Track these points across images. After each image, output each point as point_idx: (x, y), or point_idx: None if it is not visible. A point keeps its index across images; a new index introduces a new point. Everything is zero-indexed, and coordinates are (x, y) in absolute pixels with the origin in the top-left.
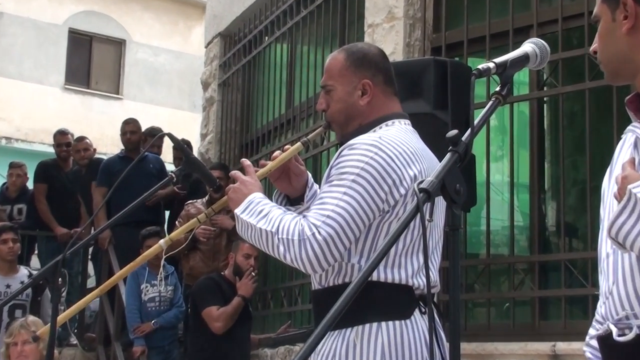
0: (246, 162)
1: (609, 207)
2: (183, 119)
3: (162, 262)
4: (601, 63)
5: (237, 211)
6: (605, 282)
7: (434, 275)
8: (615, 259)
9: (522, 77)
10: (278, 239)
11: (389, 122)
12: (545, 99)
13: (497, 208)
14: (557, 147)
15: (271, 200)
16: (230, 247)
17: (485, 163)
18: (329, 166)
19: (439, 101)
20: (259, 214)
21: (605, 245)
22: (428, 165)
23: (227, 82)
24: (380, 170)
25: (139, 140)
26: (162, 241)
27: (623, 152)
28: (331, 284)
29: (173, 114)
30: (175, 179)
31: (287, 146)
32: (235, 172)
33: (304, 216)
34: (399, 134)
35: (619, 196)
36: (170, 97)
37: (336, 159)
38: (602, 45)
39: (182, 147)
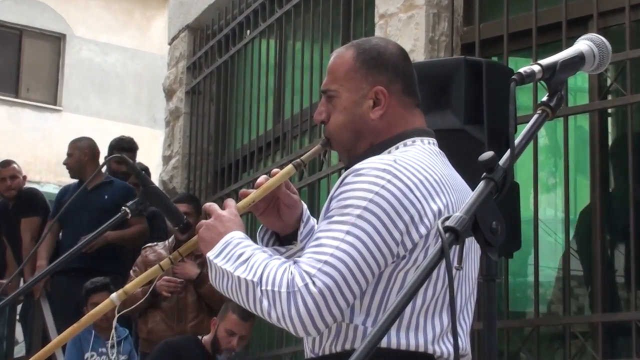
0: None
1: None
2: (140, 136)
3: (114, 323)
4: None
5: (210, 255)
6: None
7: (464, 341)
8: None
9: (579, 83)
10: (261, 291)
11: (408, 141)
12: (609, 110)
13: (548, 253)
14: (625, 173)
15: (255, 240)
16: (201, 305)
17: (533, 194)
18: (329, 197)
19: (472, 114)
20: (237, 258)
21: None
22: (458, 197)
23: (197, 89)
24: (395, 202)
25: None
26: (113, 296)
27: None
28: (328, 352)
29: (127, 130)
30: (129, 214)
31: (275, 170)
32: (209, 205)
33: (296, 262)
34: (421, 156)
35: None
36: (123, 108)
37: (338, 187)
38: None
39: (138, 173)
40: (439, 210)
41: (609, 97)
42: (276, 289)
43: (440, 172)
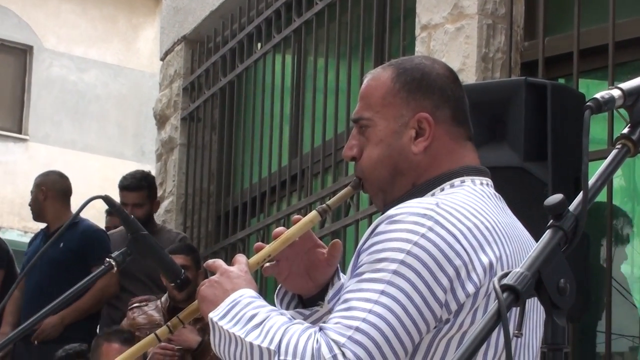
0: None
1: None
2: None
3: None
4: None
5: (214, 315)
6: None
7: None
8: None
9: None
10: None
11: (457, 182)
12: None
13: (624, 317)
14: None
15: (272, 303)
16: None
17: (607, 246)
18: (357, 249)
19: (533, 148)
20: (249, 320)
21: None
22: (515, 248)
23: (195, 114)
24: (437, 255)
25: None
26: None
27: None
28: None
29: (109, 165)
30: (115, 266)
31: (296, 217)
32: (213, 261)
33: (321, 328)
34: (470, 199)
35: None
36: (103, 138)
37: (368, 237)
38: None
39: (125, 217)
40: (490, 264)
41: None
42: (299, 359)
43: (495, 218)
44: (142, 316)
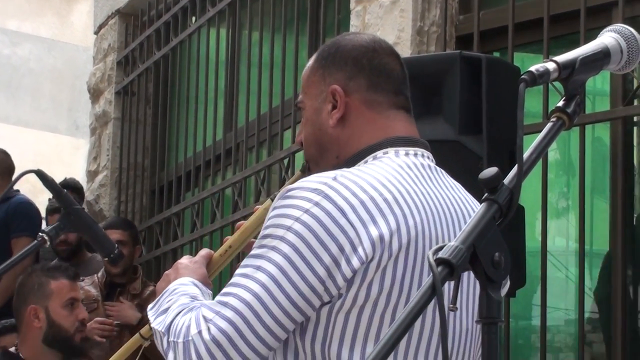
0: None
1: None
2: (59, 147)
3: None
4: None
5: (149, 308)
6: None
7: None
8: None
9: (599, 85)
10: (167, 342)
11: (379, 153)
12: (635, 119)
13: (558, 291)
14: None
15: None
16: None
17: (541, 220)
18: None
19: (469, 122)
20: (165, 310)
21: None
22: (425, 217)
23: (129, 89)
24: (319, 231)
25: None
26: None
27: None
28: None
29: (42, 138)
30: (48, 241)
31: (257, 206)
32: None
33: (201, 305)
34: (381, 171)
35: None
36: (37, 112)
37: (269, 212)
38: None
39: (58, 192)
40: (381, 236)
41: (635, 103)
42: (175, 339)
43: (403, 188)
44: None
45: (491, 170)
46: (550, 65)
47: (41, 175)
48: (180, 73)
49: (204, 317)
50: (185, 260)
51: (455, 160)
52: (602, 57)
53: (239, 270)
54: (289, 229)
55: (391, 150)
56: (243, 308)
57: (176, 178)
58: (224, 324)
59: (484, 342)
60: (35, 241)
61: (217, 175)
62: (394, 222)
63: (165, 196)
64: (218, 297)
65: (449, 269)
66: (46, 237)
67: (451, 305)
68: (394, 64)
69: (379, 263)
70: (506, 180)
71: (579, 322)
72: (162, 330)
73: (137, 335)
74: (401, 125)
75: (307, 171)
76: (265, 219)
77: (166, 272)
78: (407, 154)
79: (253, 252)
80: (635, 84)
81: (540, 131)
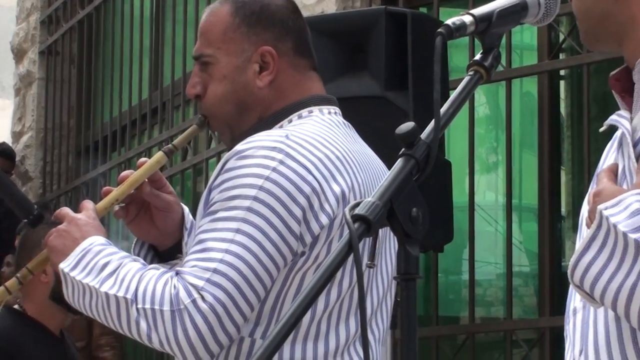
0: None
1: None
2: None
3: None
4: (577, 18)
5: (64, 266)
6: (570, 351)
7: (375, 352)
8: (585, 318)
9: (526, 40)
10: (137, 309)
11: (304, 112)
12: (561, 72)
13: (487, 245)
14: (580, 148)
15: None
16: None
17: (469, 175)
18: (208, 187)
19: (394, 77)
20: (101, 269)
21: (574, 298)
22: (367, 177)
23: (54, 48)
24: (290, 188)
25: None
26: None
27: (611, 156)
28: None
29: None
30: None
31: (142, 160)
32: (59, 210)
33: (178, 272)
34: (319, 129)
35: (589, 221)
36: None
37: (218, 174)
38: None
39: None
40: (342, 193)
41: (562, 56)
42: (157, 306)
43: (345, 147)
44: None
45: (408, 125)
46: (467, 19)
47: None
48: (104, 32)
49: (194, 285)
50: (81, 215)
51: (381, 116)
52: (519, 10)
53: (210, 234)
54: (260, 188)
55: (315, 109)
56: (233, 274)
57: (102, 138)
58: (217, 292)
59: (403, 298)
60: None
61: (144, 134)
62: (349, 180)
63: (91, 156)
64: (196, 262)
65: (366, 225)
66: None
67: (369, 262)
68: (305, 24)
69: (341, 220)
70: (423, 135)
71: (507, 275)
72: (126, 295)
73: (2, 289)
74: (319, 84)
75: (205, 125)
76: (217, 179)
77: (61, 227)
78: (329, 112)
79: (223, 214)
80: (561, 38)
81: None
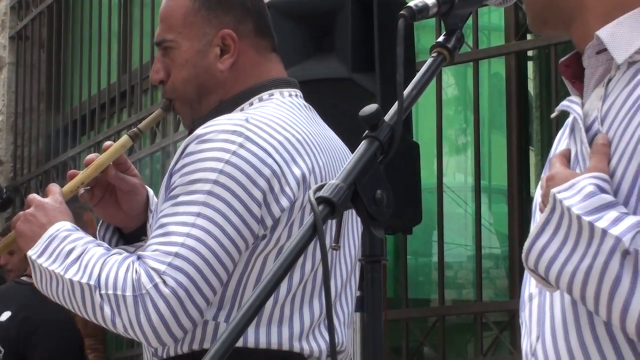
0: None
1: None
2: None
3: None
4: (525, 2)
5: (32, 253)
6: (527, 337)
7: (341, 335)
8: (542, 304)
9: (494, 20)
10: (101, 295)
11: (265, 95)
12: (529, 53)
13: (456, 227)
14: (549, 129)
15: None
16: None
17: (437, 156)
18: (169, 171)
19: (361, 59)
20: (67, 256)
21: (529, 284)
22: (328, 159)
23: (23, 33)
24: (250, 171)
25: None
26: None
27: (563, 142)
28: (174, 354)
29: None
30: None
31: (108, 143)
32: (30, 196)
33: (140, 257)
34: (279, 112)
35: (542, 205)
36: None
37: (179, 159)
38: None
39: None
40: (303, 176)
41: (529, 37)
42: (119, 292)
43: (306, 130)
44: None
45: (371, 107)
46: (430, 1)
47: None
48: (73, 16)
49: (155, 270)
50: (48, 200)
51: (348, 98)
52: None
53: (171, 218)
54: (221, 171)
55: (276, 92)
56: (195, 257)
57: (72, 122)
58: (179, 276)
59: (367, 280)
60: None
61: (113, 117)
62: (310, 163)
63: (61, 140)
64: (158, 246)
65: (330, 207)
66: None
67: (334, 244)
68: (264, 4)
69: (302, 202)
70: (387, 117)
71: (477, 257)
72: (89, 282)
73: None
74: (279, 66)
75: (170, 110)
76: (178, 163)
77: (29, 212)
78: (290, 95)
79: (184, 198)
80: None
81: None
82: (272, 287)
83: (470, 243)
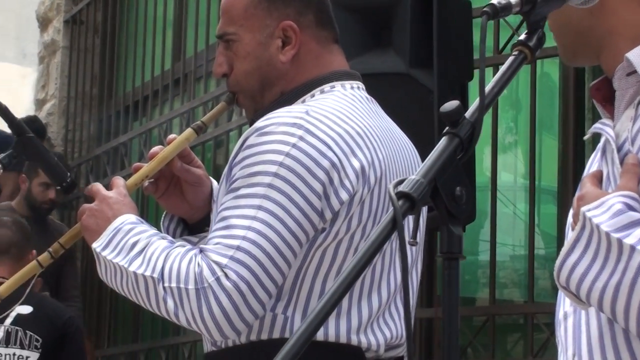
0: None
1: None
2: (6, 75)
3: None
4: (555, 34)
5: (97, 246)
6: (563, 355)
7: (401, 328)
8: (577, 322)
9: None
10: (164, 288)
11: (326, 87)
12: None
13: (507, 227)
14: None
15: (158, 228)
16: None
17: (491, 156)
18: (229, 163)
19: (420, 54)
20: (130, 249)
21: (563, 303)
22: (389, 153)
23: (78, 17)
24: (309, 164)
25: None
26: None
27: (594, 165)
28: (232, 344)
29: None
30: (1, 168)
31: (171, 136)
32: (91, 186)
33: (202, 250)
34: (340, 104)
35: (573, 224)
36: None
37: (239, 150)
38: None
39: (11, 119)
40: (362, 168)
41: None
42: (182, 285)
43: (366, 122)
44: None
45: (453, 104)
46: None
47: None
48: (129, 2)
49: (217, 263)
50: (112, 193)
51: (405, 93)
52: None
53: (233, 211)
54: (281, 164)
55: (338, 84)
56: (256, 251)
57: (124, 107)
58: (241, 270)
59: (444, 277)
60: None
61: (165, 105)
62: (369, 155)
63: (112, 125)
64: (219, 239)
65: (410, 202)
66: (0, 165)
67: (411, 240)
68: None
69: (361, 196)
70: (467, 114)
71: (529, 258)
72: (153, 275)
73: (34, 262)
74: (341, 58)
75: (233, 102)
76: (238, 155)
77: (91, 206)
78: (352, 87)
79: (245, 190)
80: None
81: (490, 65)
82: (350, 281)
83: (516, 243)
